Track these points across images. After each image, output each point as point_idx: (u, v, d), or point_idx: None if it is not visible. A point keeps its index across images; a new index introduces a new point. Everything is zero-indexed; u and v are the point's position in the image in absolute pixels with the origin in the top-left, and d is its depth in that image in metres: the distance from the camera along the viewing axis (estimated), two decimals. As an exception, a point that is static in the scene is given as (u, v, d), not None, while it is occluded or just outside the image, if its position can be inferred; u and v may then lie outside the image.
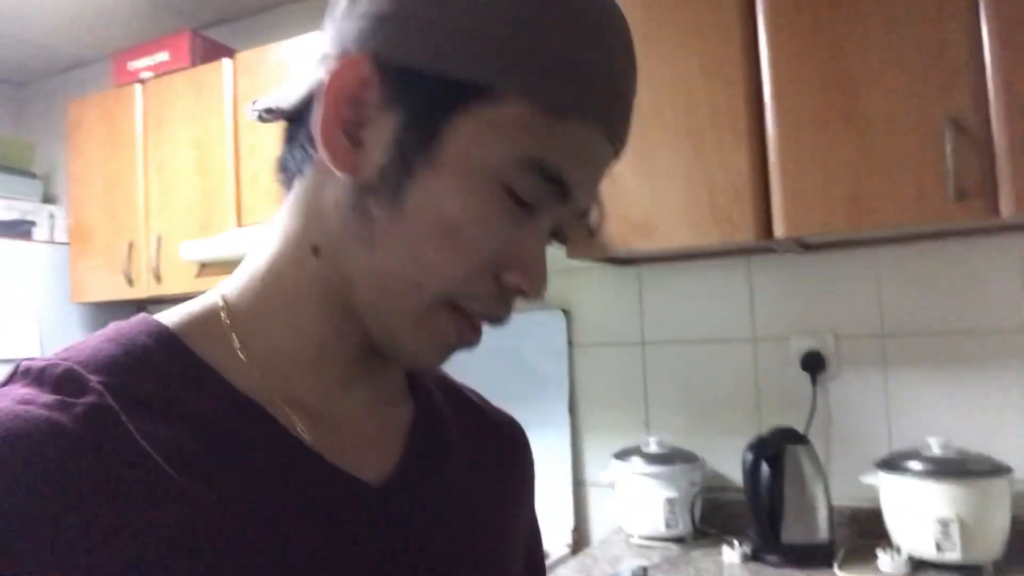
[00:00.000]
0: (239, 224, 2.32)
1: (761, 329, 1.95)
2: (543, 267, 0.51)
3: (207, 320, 0.53)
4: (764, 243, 1.68)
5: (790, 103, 1.59)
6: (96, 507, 0.41)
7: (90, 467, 0.42)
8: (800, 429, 1.78)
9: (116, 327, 0.51)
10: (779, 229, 1.59)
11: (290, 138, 0.55)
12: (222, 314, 0.53)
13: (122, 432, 0.44)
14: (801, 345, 1.90)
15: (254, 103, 0.54)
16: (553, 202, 0.50)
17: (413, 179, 0.48)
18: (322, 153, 0.49)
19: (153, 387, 0.47)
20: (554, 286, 2.13)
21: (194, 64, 2.49)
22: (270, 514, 0.46)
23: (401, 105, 0.48)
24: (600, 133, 0.50)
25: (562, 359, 2.19)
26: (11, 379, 0.47)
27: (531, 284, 0.51)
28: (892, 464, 1.65)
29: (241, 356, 0.51)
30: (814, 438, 1.77)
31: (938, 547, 1.54)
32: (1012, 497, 1.57)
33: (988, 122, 1.43)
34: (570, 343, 2.19)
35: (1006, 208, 1.41)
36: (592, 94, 0.49)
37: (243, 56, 2.35)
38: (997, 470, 1.56)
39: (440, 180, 0.48)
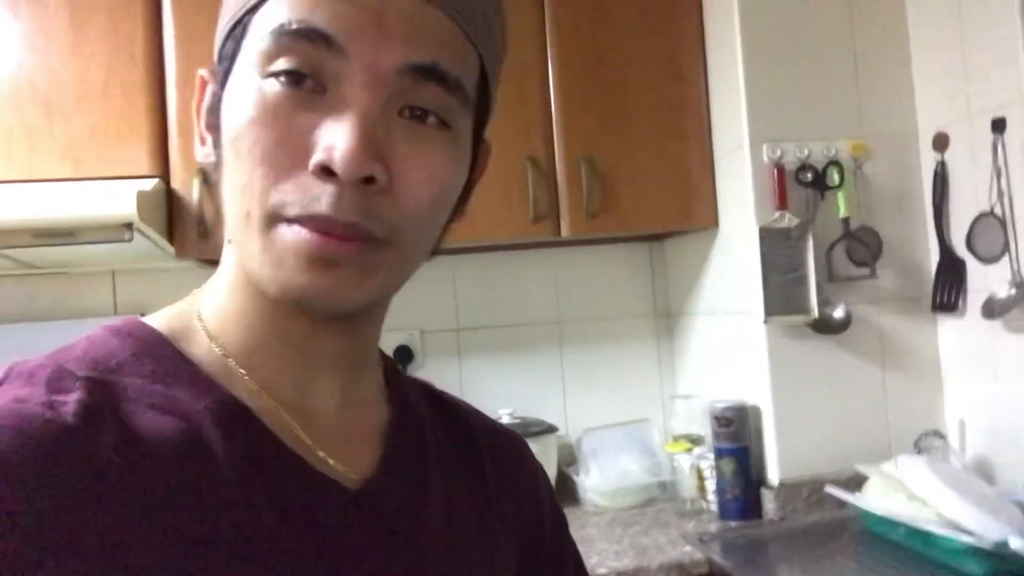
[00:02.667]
0: None
1: (358, 328, 2.15)
2: (347, 137, 0.45)
3: (188, 319, 0.54)
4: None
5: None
6: (83, 500, 0.41)
7: (79, 461, 0.42)
8: (398, 414, 2.04)
9: (105, 328, 0.52)
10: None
11: None
12: (196, 314, 0.55)
13: (110, 427, 0.45)
14: (393, 340, 2.16)
15: None
16: (333, 65, 0.46)
17: (222, 130, 0.50)
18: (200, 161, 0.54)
19: (140, 384, 0.48)
20: (144, 289, 2.04)
21: None
22: (245, 513, 0.46)
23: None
24: None
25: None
26: (2, 382, 0.47)
27: (331, 155, 0.45)
28: (474, 434, 2.01)
29: (216, 352, 0.53)
30: (409, 420, 2.05)
31: (516, 495, 1.93)
32: (558, 449, 2.06)
33: (554, 162, 1.86)
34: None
35: (565, 229, 1.87)
36: None
37: None
38: (550, 428, 2.04)
39: (225, 113, 0.49)
